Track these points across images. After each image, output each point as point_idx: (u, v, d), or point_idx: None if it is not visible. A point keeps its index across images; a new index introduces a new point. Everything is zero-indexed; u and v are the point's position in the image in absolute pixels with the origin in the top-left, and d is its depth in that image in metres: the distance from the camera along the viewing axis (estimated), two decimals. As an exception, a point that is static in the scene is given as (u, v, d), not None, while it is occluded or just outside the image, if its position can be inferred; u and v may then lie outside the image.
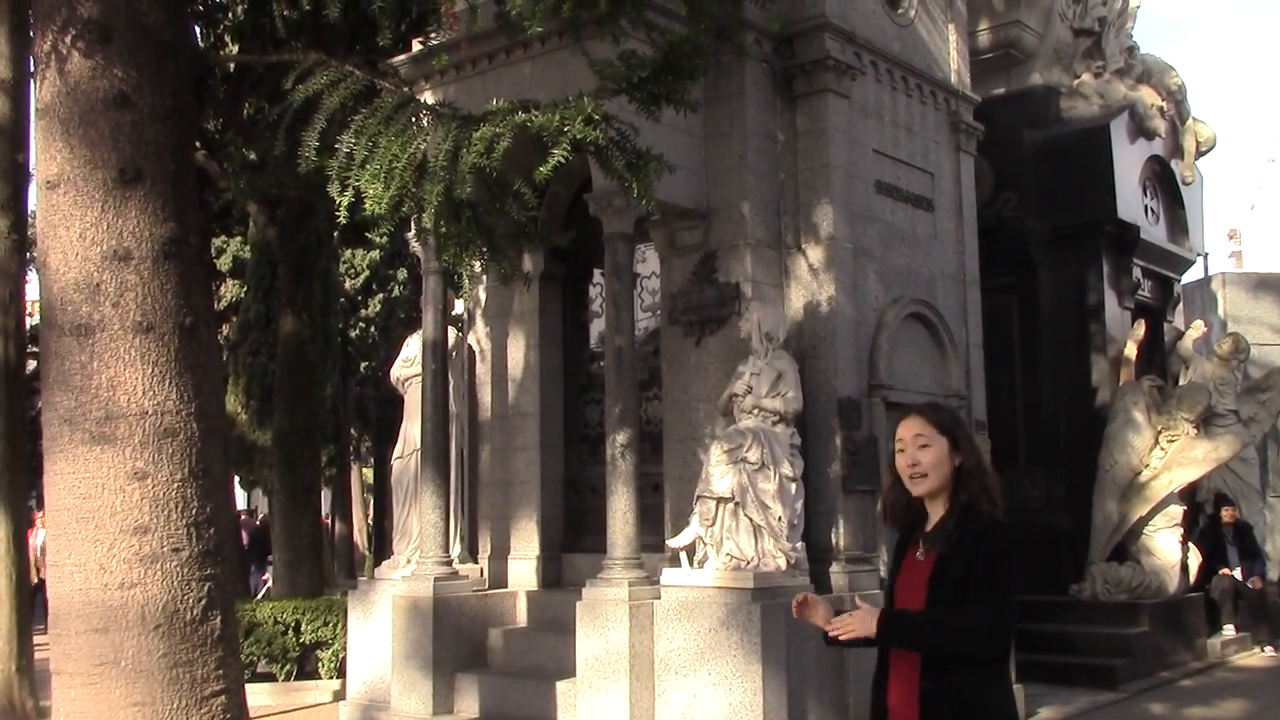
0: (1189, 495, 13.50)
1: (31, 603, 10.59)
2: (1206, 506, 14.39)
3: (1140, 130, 13.90)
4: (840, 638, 3.68)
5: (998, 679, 3.63)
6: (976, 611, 3.52)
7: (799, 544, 8.13)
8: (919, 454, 3.70)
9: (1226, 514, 13.89)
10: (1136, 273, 13.89)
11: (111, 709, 5.64)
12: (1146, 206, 14.35)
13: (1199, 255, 16.03)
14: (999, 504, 3.71)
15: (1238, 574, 13.52)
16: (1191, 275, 16.29)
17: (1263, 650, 13.37)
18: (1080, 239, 13.31)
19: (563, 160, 5.21)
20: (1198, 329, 14.53)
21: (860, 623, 3.61)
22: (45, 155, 5.79)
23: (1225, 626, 13.45)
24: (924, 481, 3.70)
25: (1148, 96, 14.12)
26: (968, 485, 3.68)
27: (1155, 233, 14.36)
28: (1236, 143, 63.77)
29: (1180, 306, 15.56)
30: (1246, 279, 18.03)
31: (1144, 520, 12.65)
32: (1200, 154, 15.09)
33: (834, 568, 8.56)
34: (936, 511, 3.75)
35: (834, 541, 8.65)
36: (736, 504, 7.96)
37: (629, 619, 7.83)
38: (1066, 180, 13.29)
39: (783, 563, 7.93)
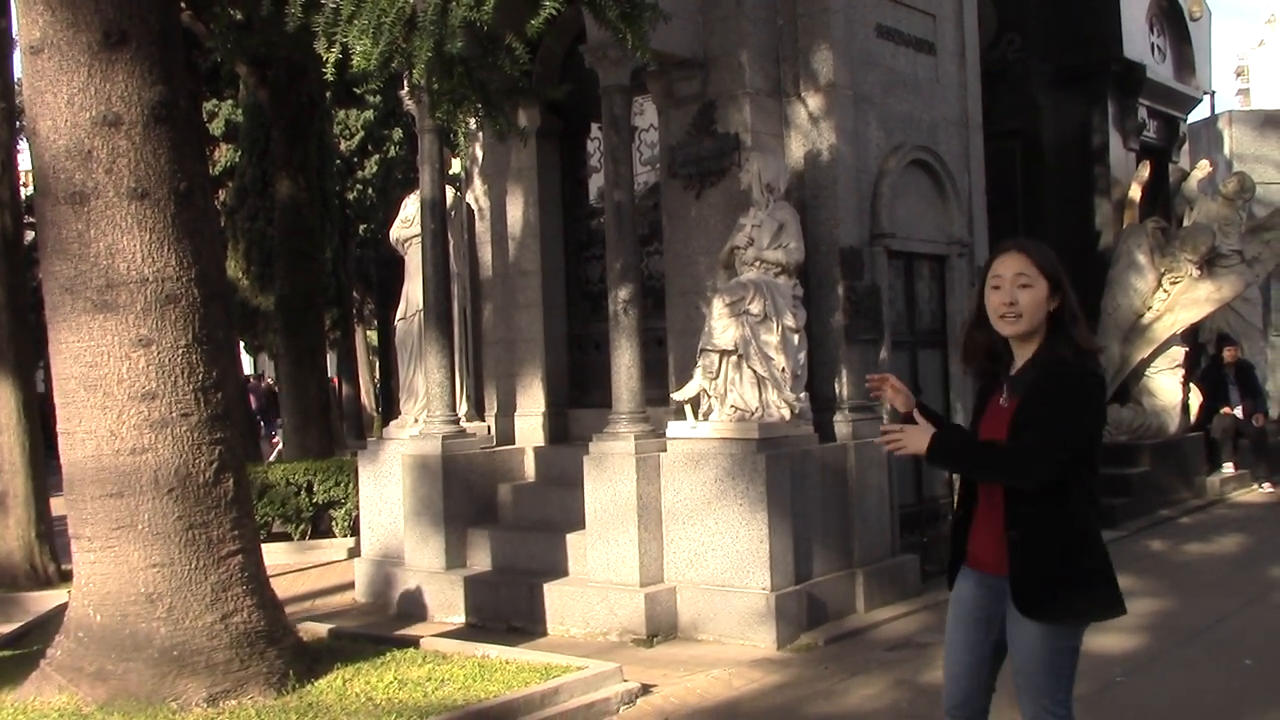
0: (1191, 335, 13.56)
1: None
2: (1209, 347, 14.46)
3: (1147, -36, 13.55)
4: (892, 451, 3.56)
5: (1084, 528, 3.50)
6: (1026, 440, 3.42)
7: (802, 394, 8.18)
8: (1018, 293, 3.50)
9: (1228, 353, 13.96)
10: (1142, 113, 13.69)
11: (131, 570, 5.77)
12: (1153, 44, 14.07)
13: (1206, 93, 15.76)
14: (1092, 354, 3.57)
15: (1239, 412, 13.66)
16: (1198, 114, 16.05)
17: (1260, 487, 13.59)
18: (1085, 80, 13.09)
19: (554, 12, 5.10)
20: (1203, 168, 14.38)
21: (912, 439, 3.51)
22: (27, 19, 5.67)
23: (1225, 464, 13.64)
24: (1018, 323, 3.52)
25: (1156, -72, 13.72)
26: (1061, 332, 3.52)
27: (1162, 71, 14.11)
28: (1246, -25, 62.09)
29: (1186, 146, 15.38)
30: (1253, 117, 17.75)
31: (1146, 362, 12.74)
32: (1209, -12, 14.74)
33: (837, 417, 8.63)
34: (1023, 355, 3.59)
35: (837, 391, 8.71)
36: (740, 356, 7.99)
37: (636, 471, 7.93)
38: (1071, 19, 13.00)
39: (786, 413, 8.00)
